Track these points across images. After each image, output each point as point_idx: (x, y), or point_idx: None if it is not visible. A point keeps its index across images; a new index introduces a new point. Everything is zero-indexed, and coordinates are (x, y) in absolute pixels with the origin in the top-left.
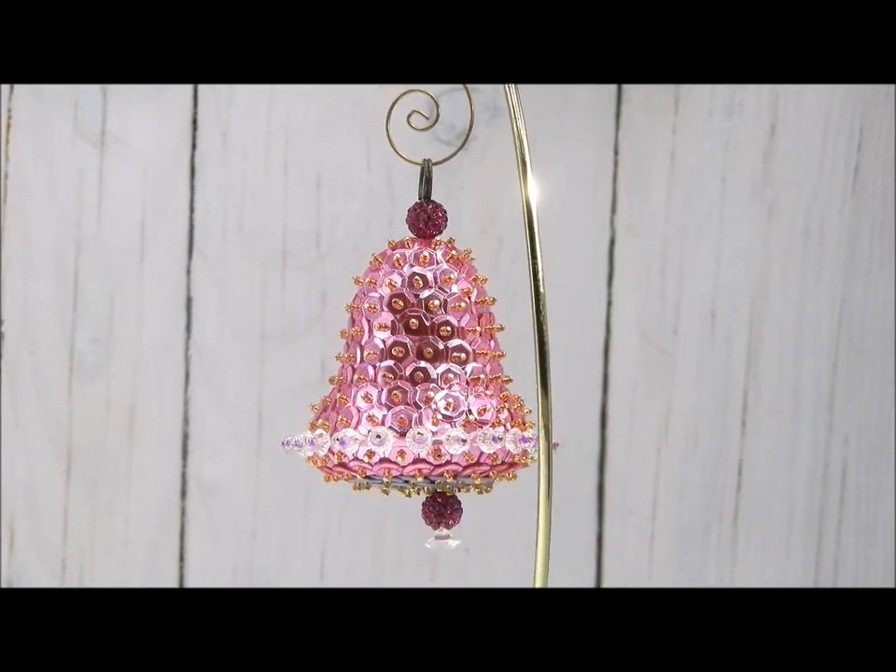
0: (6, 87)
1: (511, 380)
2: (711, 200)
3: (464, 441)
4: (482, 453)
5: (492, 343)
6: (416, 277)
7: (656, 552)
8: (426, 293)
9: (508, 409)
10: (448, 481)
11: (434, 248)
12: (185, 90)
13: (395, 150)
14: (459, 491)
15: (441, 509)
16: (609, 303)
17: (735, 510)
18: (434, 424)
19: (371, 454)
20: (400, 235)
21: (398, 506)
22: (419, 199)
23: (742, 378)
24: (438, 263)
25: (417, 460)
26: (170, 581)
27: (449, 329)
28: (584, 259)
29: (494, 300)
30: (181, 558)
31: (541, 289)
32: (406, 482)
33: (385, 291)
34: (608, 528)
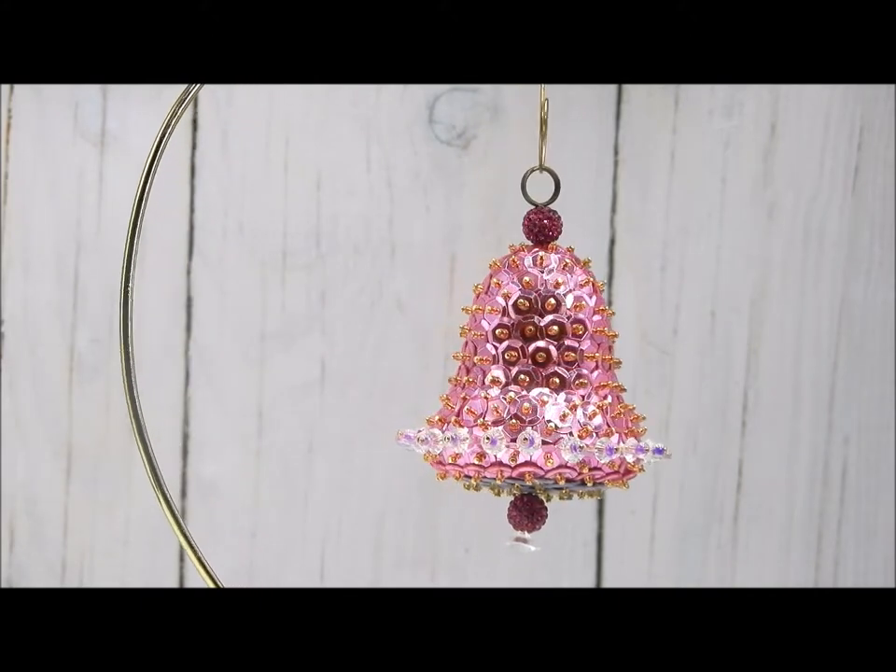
0: (6, 87)
1: (623, 388)
2: (711, 200)
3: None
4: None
5: (604, 349)
6: (534, 283)
7: (656, 552)
8: (542, 299)
9: (602, 415)
10: (528, 483)
11: (553, 254)
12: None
13: (540, 160)
14: (559, 495)
15: (531, 512)
16: (609, 303)
17: (735, 510)
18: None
19: (456, 455)
20: (400, 235)
21: (398, 506)
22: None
23: (742, 378)
24: (552, 269)
25: (495, 463)
26: (170, 581)
27: (556, 328)
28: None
29: (613, 312)
30: (181, 558)
31: (130, 289)
32: (511, 485)
33: (507, 292)
34: (608, 528)
